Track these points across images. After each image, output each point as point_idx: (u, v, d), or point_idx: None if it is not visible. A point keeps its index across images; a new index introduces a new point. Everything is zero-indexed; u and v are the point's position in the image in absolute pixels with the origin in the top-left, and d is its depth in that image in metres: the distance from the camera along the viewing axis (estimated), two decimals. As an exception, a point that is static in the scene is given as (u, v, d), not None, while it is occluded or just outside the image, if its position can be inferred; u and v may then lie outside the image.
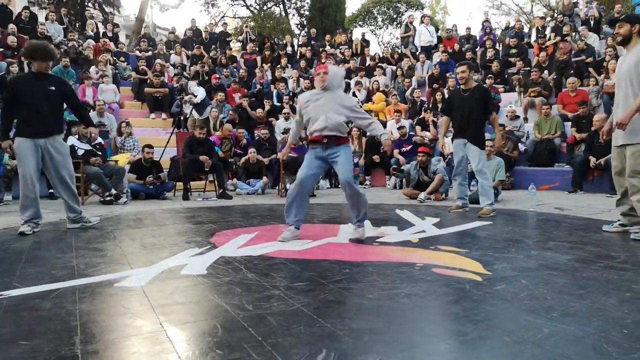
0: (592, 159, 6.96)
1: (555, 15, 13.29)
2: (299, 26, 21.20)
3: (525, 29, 14.18)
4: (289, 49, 14.25)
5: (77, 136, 6.74)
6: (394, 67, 12.51)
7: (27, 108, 4.05)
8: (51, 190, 7.17)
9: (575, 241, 3.59)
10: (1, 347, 1.73)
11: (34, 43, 4.42)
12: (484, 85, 6.86)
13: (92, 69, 10.53)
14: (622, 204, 3.92)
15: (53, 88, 4.18)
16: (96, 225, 4.50)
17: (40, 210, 4.25)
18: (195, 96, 9.62)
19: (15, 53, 9.90)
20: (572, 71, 9.72)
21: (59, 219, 4.96)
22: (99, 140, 7.01)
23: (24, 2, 16.96)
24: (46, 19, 12.57)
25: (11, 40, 10.18)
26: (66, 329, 1.89)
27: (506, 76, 11.03)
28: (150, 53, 12.52)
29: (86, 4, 17.39)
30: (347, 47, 13.87)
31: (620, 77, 3.76)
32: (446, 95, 10.36)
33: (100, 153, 6.72)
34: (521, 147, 8.39)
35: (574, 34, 11.11)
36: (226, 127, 8.63)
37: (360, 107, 4.88)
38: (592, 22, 11.36)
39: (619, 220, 3.96)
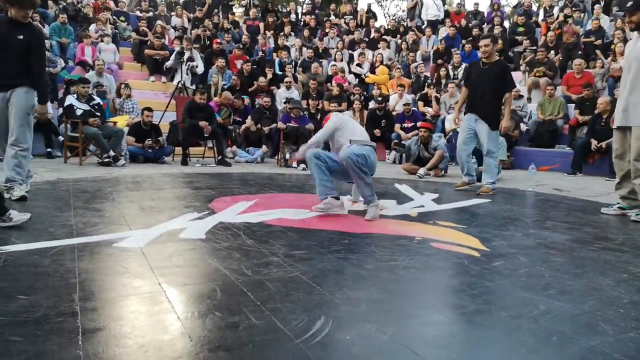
0: (594, 142, 6.94)
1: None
2: (303, -7, 20.72)
3: (534, 8, 13.92)
4: (292, 16, 13.97)
5: (75, 95, 6.65)
6: (399, 41, 12.31)
7: None
8: (49, 149, 7.14)
9: (573, 222, 3.61)
10: (0, 300, 1.73)
11: None
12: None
13: (92, 27, 10.32)
14: (622, 187, 3.92)
15: (21, 37, 3.74)
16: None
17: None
18: (197, 67, 9.48)
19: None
20: (579, 52, 9.59)
21: (57, 178, 4.94)
22: (98, 100, 6.92)
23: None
24: (43, -27, 12.23)
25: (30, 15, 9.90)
26: (65, 285, 1.89)
27: (511, 54, 10.88)
28: (151, 14, 12.26)
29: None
30: (351, 17, 13.61)
31: (632, 59, 3.70)
32: (451, 72, 10.25)
33: (99, 114, 6.64)
34: (523, 127, 8.35)
35: (582, 14, 10.90)
36: (225, 94, 8.53)
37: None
38: (602, 3, 11.14)
39: (617, 203, 3.97)
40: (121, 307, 1.72)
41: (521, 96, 8.85)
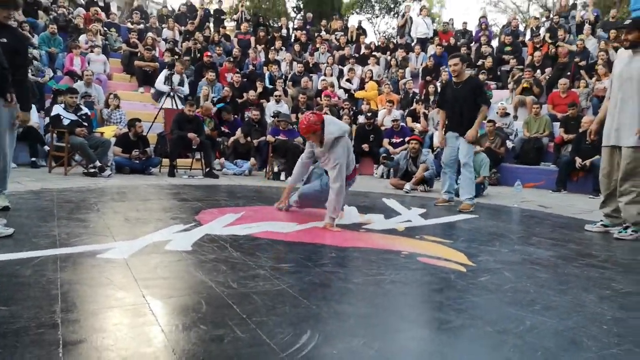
0: (578, 160, 7.05)
1: (551, 16, 13.35)
2: (295, 9, 20.93)
3: (521, 28, 14.21)
4: (283, 31, 14.09)
5: (63, 105, 6.60)
6: (388, 57, 12.46)
7: None
8: (33, 159, 7.05)
9: (558, 238, 3.64)
10: (-21, 311, 1.69)
11: None
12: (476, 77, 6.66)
13: (82, 37, 10.29)
14: (607, 206, 3.97)
15: (5, 40, 3.48)
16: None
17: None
18: (183, 91, 9.37)
19: None
20: (569, 72, 9.79)
21: (41, 188, 4.87)
22: (85, 110, 6.87)
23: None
24: (36, -17, 12.21)
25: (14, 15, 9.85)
26: (46, 297, 1.86)
27: (499, 73, 11.07)
28: (142, 26, 12.28)
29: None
30: (342, 33, 13.76)
31: (625, 78, 3.70)
32: (439, 89, 10.39)
33: (86, 124, 6.59)
34: (509, 144, 8.46)
35: (569, 35, 11.15)
36: (205, 104, 8.51)
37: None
38: (587, 25, 11.40)
39: (601, 220, 4.02)
40: (104, 319, 1.69)
41: (507, 114, 9.00)
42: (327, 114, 9.17)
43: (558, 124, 8.33)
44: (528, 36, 12.62)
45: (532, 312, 1.97)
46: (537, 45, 11.00)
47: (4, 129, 3.46)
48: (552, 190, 7.24)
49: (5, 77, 3.34)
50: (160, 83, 9.05)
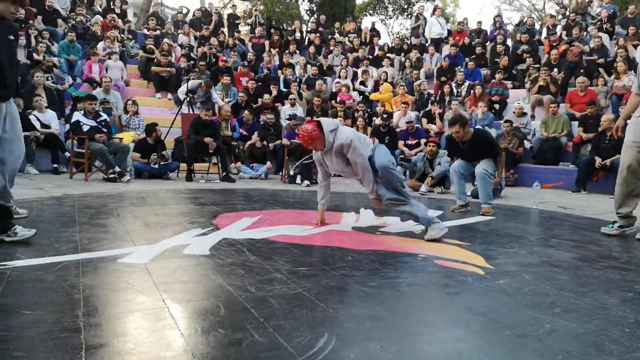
0: (598, 160, 6.93)
1: (568, 13, 13.17)
2: (308, 12, 20.99)
3: (537, 26, 14.05)
4: (297, 34, 14.14)
5: (82, 112, 6.72)
6: (402, 59, 12.43)
7: None
8: (55, 165, 7.20)
9: (578, 240, 3.59)
10: (5, 315, 1.74)
11: None
12: (480, 130, 6.31)
13: (100, 45, 10.48)
14: (624, 206, 3.80)
15: (12, 37, 3.19)
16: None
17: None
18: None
19: (23, 25, 9.84)
20: (582, 70, 9.64)
21: (62, 194, 4.97)
22: (104, 117, 6.99)
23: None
24: (55, -8, 12.48)
25: (20, 12, 10.11)
26: (69, 301, 1.90)
27: (515, 72, 10.95)
28: (158, 32, 12.45)
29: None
30: (355, 35, 13.76)
31: None
32: (454, 89, 10.31)
33: (105, 130, 6.71)
34: (527, 144, 8.35)
35: (585, 33, 10.99)
36: (224, 107, 8.57)
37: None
38: (604, 22, 11.23)
39: (616, 221, 3.86)
40: (125, 323, 1.72)
41: (525, 113, 8.88)
42: (341, 118, 9.21)
43: (576, 123, 8.21)
44: (544, 34, 12.47)
45: (552, 315, 1.95)
46: (554, 44, 10.85)
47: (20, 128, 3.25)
48: (572, 190, 7.13)
49: (17, 75, 3.28)
50: (182, 94, 9.04)
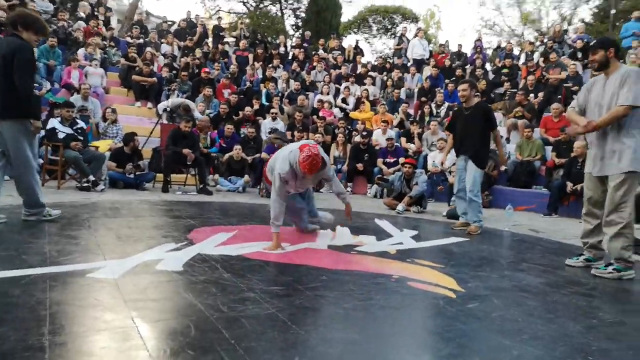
0: (569, 184, 7.11)
1: (545, 40, 13.58)
2: (294, 27, 21.22)
3: (515, 51, 14.45)
4: (281, 49, 14.24)
5: (59, 119, 6.61)
6: (385, 77, 12.61)
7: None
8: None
9: (547, 264, 3.67)
10: (-34, 332, 1.68)
11: (30, 13, 4.01)
12: (485, 102, 6.51)
13: (81, 51, 10.35)
14: (592, 236, 3.70)
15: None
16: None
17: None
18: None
19: (3, 29, 9.66)
20: (559, 96, 9.93)
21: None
22: (81, 124, 6.89)
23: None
24: (37, -5, 12.32)
25: (0, 14, 9.93)
26: (35, 318, 1.85)
27: (492, 95, 11.21)
28: (141, 40, 12.37)
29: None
30: (339, 52, 13.93)
31: (597, 102, 3.51)
32: (434, 110, 10.50)
33: (81, 138, 6.60)
34: (502, 167, 8.52)
35: (559, 58, 11.33)
36: (203, 119, 8.53)
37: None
38: (578, 51, 11.61)
39: (582, 254, 3.77)
40: (91, 343, 1.68)
41: (501, 137, 9.07)
42: (321, 134, 9.26)
43: (550, 147, 8.43)
44: (522, 60, 12.82)
45: (520, 341, 1.98)
46: (531, 70, 11.17)
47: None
48: (544, 214, 7.28)
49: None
50: (161, 109, 8.98)
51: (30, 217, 3.87)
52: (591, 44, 3.72)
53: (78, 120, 6.92)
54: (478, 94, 10.65)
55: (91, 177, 6.31)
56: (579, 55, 11.45)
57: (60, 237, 3.35)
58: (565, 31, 13.30)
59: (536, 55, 12.42)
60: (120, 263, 2.75)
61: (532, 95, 10.30)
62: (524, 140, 8.68)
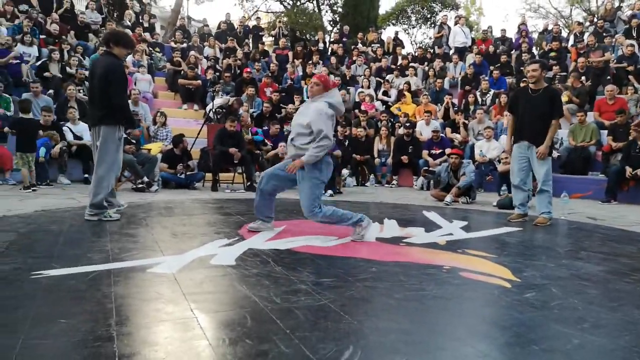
0: (628, 169, 6.76)
1: (595, 20, 12.93)
2: (331, 23, 21.15)
3: (563, 33, 13.84)
4: (320, 45, 14.27)
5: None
6: (426, 68, 12.39)
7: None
8: (86, 175, 7.41)
9: (608, 252, 3.51)
10: (42, 324, 1.81)
11: (119, 30, 4.79)
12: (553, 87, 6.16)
13: (129, 58, 10.77)
14: None
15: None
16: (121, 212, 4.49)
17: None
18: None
19: (57, 40, 10.21)
20: (608, 77, 9.44)
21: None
22: (133, 128, 7.18)
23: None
24: (86, 7, 12.93)
25: (53, 28, 10.50)
26: (102, 310, 1.96)
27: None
28: (184, 45, 12.74)
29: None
30: (379, 45, 13.80)
31: None
32: (479, 98, 10.23)
33: (134, 141, 6.89)
34: (555, 153, 8.20)
35: (613, 40, 10.76)
36: (243, 115, 8.72)
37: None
38: (634, 29, 10.97)
39: None
40: (155, 333, 1.77)
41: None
42: (364, 128, 9.23)
43: (606, 131, 8.03)
44: (571, 42, 12.27)
45: (581, 330, 1.92)
46: (581, 52, 10.66)
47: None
48: (602, 200, 6.96)
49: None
50: (210, 111, 9.24)
51: (92, 217, 4.09)
52: None
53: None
54: (512, 80, 10.32)
55: (145, 179, 6.59)
56: (634, 33, 10.83)
57: (120, 235, 3.52)
58: (619, 8, 12.58)
59: (586, 36, 11.84)
60: (177, 258, 2.86)
61: (583, 78, 9.84)
62: (577, 125, 8.32)
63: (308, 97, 3.81)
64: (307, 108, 3.67)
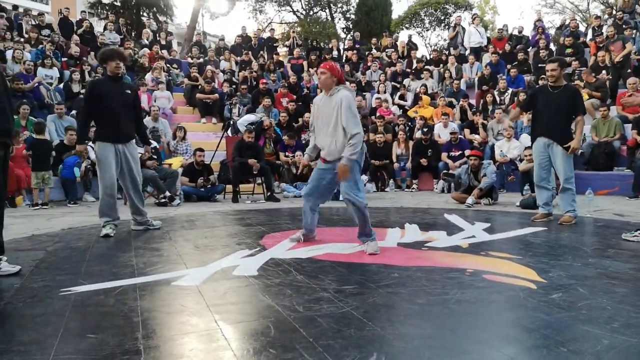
0: (656, 163, 6.59)
1: (614, 12, 12.67)
2: (344, 30, 21.26)
3: (581, 28, 13.59)
4: (334, 53, 14.32)
5: (133, 140, 7.06)
6: (442, 70, 12.32)
7: (107, 112, 4.17)
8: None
9: (637, 249, 3.42)
10: (71, 339, 1.85)
11: (104, 48, 4.88)
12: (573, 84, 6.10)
13: (148, 76, 11.00)
14: None
15: (129, 92, 4.37)
16: (158, 227, 4.64)
17: (118, 211, 4.41)
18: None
19: (78, 62, 10.50)
20: (629, 70, 9.23)
21: (117, 220, 5.21)
22: (154, 144, 7.32)
23: (82, 7, 18.09)
24: (105, 28, 13.28)
25: (74, 50, 10.80)
26: (129, 324, 2.00)
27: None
28: (201, 60, 12.94)
29: (141, 13, 18.16)
30: (393, 50, 13.79)
31: None
32: (497, 98, 10.11)
33: (155, 157, 7.02)
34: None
35: (634, 31, 10.52)
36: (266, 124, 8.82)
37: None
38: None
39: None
40: (181, 345, 1.80)
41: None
42: (382, 133, 9.20)
43: (630, 125, 7.84)
44: (590, 36, 12.05)
45: (611, 330, 1.87)
46: (600, 45, 10.46)
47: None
48: (629, 196, 6.79)
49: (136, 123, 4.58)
50: (242, 125, 9.31)
51: (138, 227, 4.49)
52: None
53: (151, 141, 7.35)
54: (530, 78, 10.17)
55: (167, 193, 6.69)
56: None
57: (145, 250, 3.58)
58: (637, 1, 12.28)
59: (605, 29, 11.61)
60: (200, 271, 2.90)
61: (603, 72, 9.64)
62: (600, 120, 8.14)
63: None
64: (329, 102, 3.51)
